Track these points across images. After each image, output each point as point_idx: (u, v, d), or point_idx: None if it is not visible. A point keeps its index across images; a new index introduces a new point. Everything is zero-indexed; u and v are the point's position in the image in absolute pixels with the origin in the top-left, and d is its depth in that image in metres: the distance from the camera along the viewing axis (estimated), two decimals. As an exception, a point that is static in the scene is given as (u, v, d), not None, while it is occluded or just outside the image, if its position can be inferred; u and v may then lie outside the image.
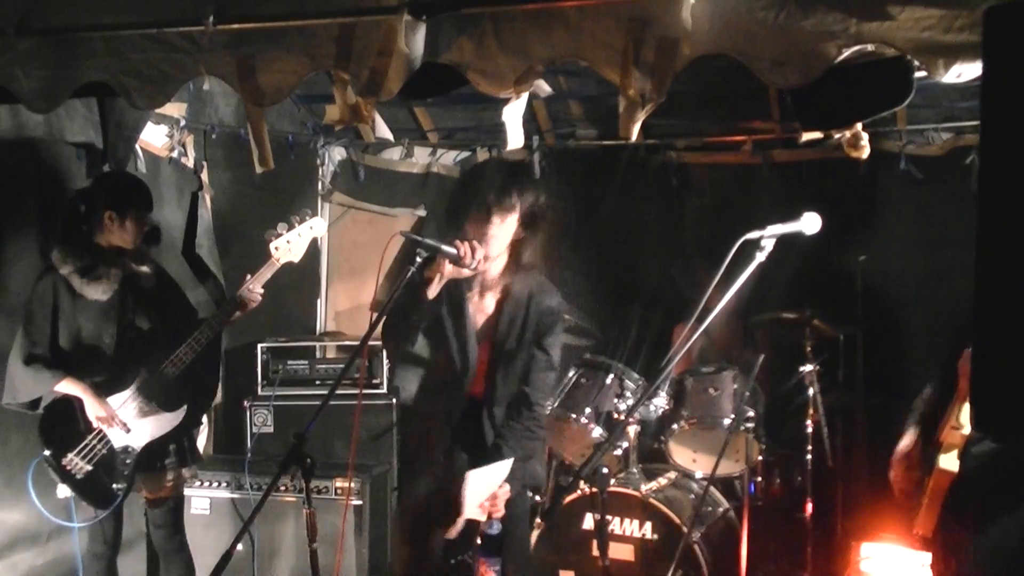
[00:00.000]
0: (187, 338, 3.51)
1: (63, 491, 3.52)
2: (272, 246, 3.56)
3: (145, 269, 3.68)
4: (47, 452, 3.49)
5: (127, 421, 3.52)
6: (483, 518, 2.93)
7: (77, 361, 3.55)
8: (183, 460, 3.74)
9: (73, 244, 3.57)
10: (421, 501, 3.16)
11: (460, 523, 2.87)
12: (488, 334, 3.10)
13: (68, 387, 3.49)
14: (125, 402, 3.53)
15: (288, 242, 3.56)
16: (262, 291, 3.62)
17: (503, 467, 2.96)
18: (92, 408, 3.48)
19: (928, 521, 2.71)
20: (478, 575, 2.87)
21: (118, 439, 3.53)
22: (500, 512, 2.96)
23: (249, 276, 3.60)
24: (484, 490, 2.91)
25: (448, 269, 2.86)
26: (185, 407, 3.64)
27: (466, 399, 3.12)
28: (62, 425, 3.51)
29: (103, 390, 3.52)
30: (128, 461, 3.54)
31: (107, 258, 3.58)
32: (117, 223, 3.56)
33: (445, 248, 2.79)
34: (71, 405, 3.51)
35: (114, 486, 3.52)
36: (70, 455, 3.49)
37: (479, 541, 2.87)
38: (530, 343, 3.07)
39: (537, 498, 4.50)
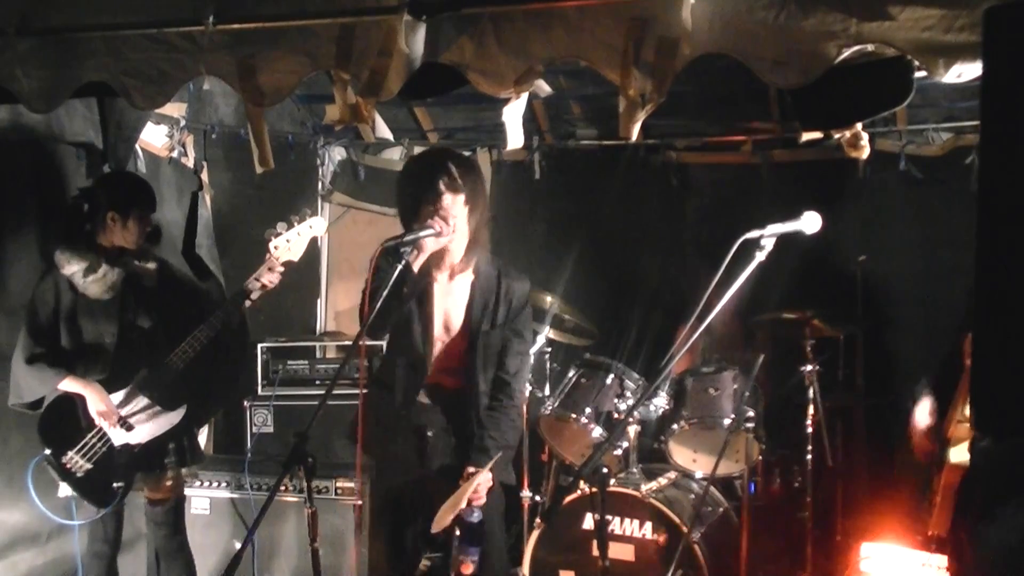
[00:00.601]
0: (187, 336, 3.50)
1: (64, 490, 3.52)
2: (271, 245, 3.55)
3: (148, 267, 3.68)
4: (47, 451, 3.49)
5: (128, 420, 3.52)
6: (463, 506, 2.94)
7: (79, 360, 3.56)
8: (183, 460, 3.73)
9: (76, 244, 3.57)
10: (394, 494, 3.20)
11: (449, 519, 2.89)
12: (465, 320, 3.16)
13: (71, 385, 3.50)
14: (125, 400, 3.53)
15: (288, 241, 3.55)
16: (281, 271, 3.57)
17: (485, 481, 3.02)
18: (93, 403, 3.48)
19: (942, 520, 2.69)
20: (458, 568, 2.87)
21: (118, 438, 3.53)
22: (482, 500, 2.99)
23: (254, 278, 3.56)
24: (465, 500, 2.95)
25: (430, 245, 2.99)
26: (185, 406, 3.64)
27: (449, 391, 3.17)
28: (63, 424, 3.51)
29: (104, 388, 3.52)
30: (127, 460, 3.54)
31: (109, 258, 3.58)
32: (120, 223, 3.57)
33: (425, 233, 2.93)
34: (72, 404, 3.51)
35: (114, 485, 3.52)
36: (70, 453, 3.49)
37: (458, 532, 2.89)
38: (502, 326, 3.16)
39: (538, 498, 4.51)
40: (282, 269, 3.58)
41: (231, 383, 4.07)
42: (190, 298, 3.83)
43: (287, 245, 3.56)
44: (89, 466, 3.50)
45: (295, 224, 3.57)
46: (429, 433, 3.16)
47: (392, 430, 3.16)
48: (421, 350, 3.15)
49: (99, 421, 3.49)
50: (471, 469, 3.05)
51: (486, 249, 3.17)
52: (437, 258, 3.12)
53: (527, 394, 3.66)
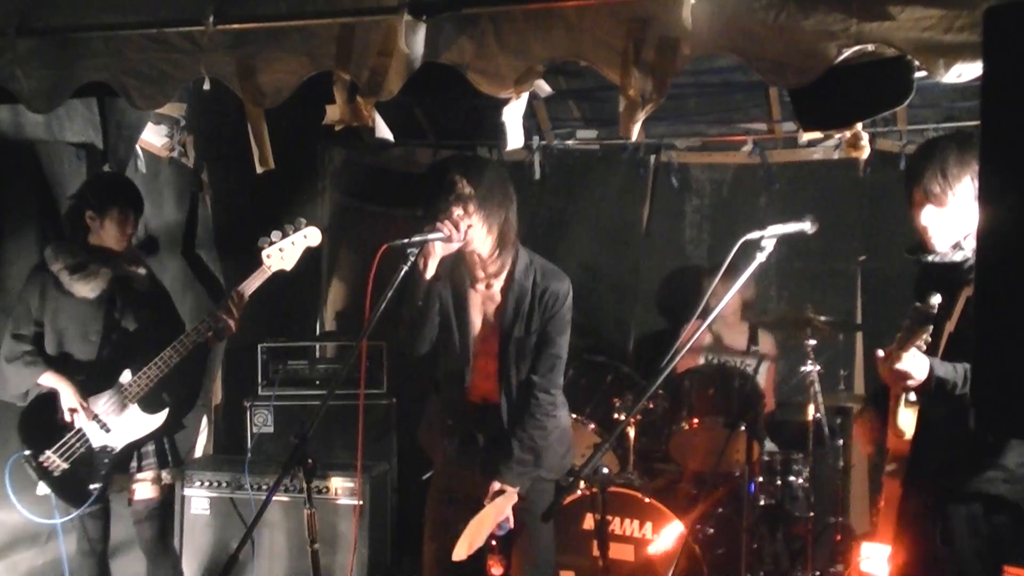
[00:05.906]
0: (172, 341, 3.48)
1: (42, 489, 3.52)
2: (264, 254, 3.47)
3: (139, 271, 3.69)
4: (26, 449, 3.50)
5: (107, 421, 3.52)
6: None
7: (61, 357, 3.57)
8: (164, 462, 3.71)
9: (67, 242, 3.60)
10: (444, 497, 3.19)
11: (473, 546, 2.87)
12: (497, 326, 3.08)
13: (49, 379, 3.51)
14: (106, 402, 3.53)
15: (280, 250, 3.47)
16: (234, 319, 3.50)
17: (508, 499, 2.96)
18: (66, 400, 3.49)
19: (886, 530, 2.70)
20: (488, 569, 2.88)
21: (97, 438, 3.53)
22: (508, 519, 2.97)
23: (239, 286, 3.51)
24: (493, 523, 2.92)
25: (438, 249, 2.90)
26: (166, 411, 3.64)
27: (480, 402, 3.12)
28: (42, 422, 3.52)
29: (86, 389, 3.53)
30: (106, 461, 3.54)
31: (99, 258, 3.59)
32: (98, 223, 3.59)
33: (433, 236, 2.85)
34: (52, 402, 3.51)
35: (90, 486, 3.51)
36: (48, 452, 3.50)
37: (493, 543, 2.91)
38: (537, 331, 3.05)
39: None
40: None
41: (199, 388, 4.08)
42: (171, 312, 3.85)
43: (280, 254, 3.47)
44: (66, 466, 3.50)
45: (289, 233, 3.49)
46: (480, 442, 3.12)
47: (446, 437, 3.16)
48: (460, 360, 3.10)
49: (70, 418, 3.49)
50: (496, 486, 2.98)
51: (516, 248, 3.05)
52: (470, 266, 3.06)
53: (562, 399, 3.26)
